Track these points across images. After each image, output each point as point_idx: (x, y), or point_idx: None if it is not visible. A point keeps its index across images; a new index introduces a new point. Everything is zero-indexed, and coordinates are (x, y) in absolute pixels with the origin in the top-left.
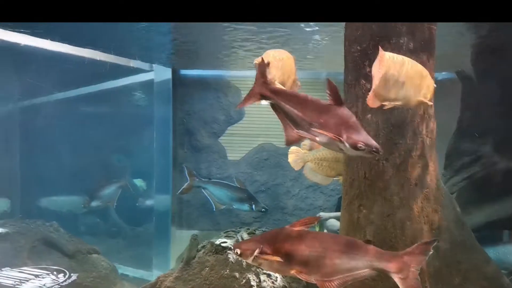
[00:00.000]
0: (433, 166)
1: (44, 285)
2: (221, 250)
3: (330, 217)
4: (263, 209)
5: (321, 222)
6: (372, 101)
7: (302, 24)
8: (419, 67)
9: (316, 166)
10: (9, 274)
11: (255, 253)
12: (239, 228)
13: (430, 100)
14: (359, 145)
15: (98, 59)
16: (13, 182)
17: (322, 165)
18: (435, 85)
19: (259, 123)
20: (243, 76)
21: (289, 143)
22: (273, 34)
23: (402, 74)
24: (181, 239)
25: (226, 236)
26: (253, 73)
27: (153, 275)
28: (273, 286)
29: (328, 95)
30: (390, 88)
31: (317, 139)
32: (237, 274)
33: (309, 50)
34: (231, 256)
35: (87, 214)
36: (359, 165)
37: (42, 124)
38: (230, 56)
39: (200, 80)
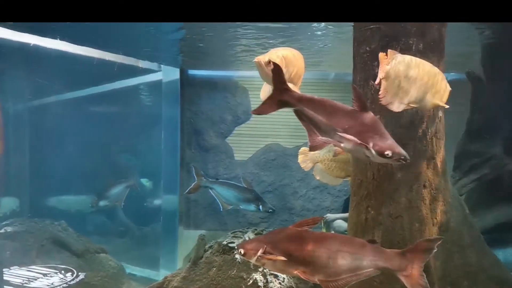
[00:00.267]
0: (442, 168)
1: (52, 283)
2: (229, 250)
3: (337, 218)
4: (270, 210)
5: (328, 223)
6: (396, 106)
7: (314, 24)
8: (435, 69)
9: (326, 167)
10: (18, 273)
11: (259, 253)
12: (247, 228)
13: (445, 103)
14: (387, 152)
15: (107, 59)
16: (22, 181)
17: (331, 166)
18: (450, 88)
19: (266, 123)
20: (251, 76)
21: (313, 149)
22: (281, 34)
23: (419, 77)
24: (188, 239)
25: (234, 237)
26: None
27: (160, 274)
28: (280, 287)
29: (353, 101)
30: (406, 90)
31: (342, 145)
32: (244, 275)
33: (317, 50)
34: (238, 257)
35: (95, 214)
36: (367, 166)
37: (51, 124)
38: (238, 56)
39: (208, 80)
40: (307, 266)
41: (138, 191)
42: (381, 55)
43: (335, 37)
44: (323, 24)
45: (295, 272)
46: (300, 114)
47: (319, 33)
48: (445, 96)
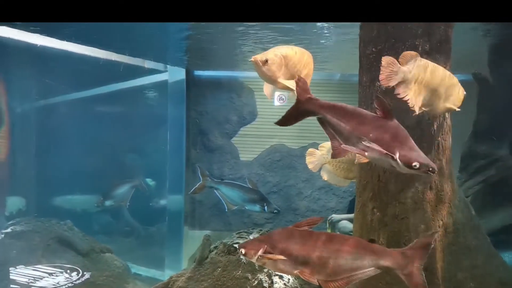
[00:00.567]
0: (448, 169)
1: (57, 283)
2: (234, 251)
3: (342, 219)
4: (275, 210)
5: (333, 224)
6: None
7: (318, 24)
8: (449, 73)
9: (334, 168)
10: (24, 272)
11: (259, 253)
12: (252, 229)
13: (458, 107)
14: (414, 164)
15: (113, 59)
16: (29, 181)
17: (340, 167)
18: (465, 93)
19: (271, 124)
20: (257, 77)
21: (336, 156)
22: (287, 34)
23: (434, 81)
24: (193, 239)
25: (239, 237)
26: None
27: (165, 274)
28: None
29: (377, 109)
30: (421, 95)
31: (367, 154)
32: (249, 275)
33: (323, 51)
34: (243, 257)
35: (101, 213)
36: (373, 167)
37: (57, 124)
38: (243, 57)
39: (214, 80)
40: (307, 266)
41: (145, 191)
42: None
43: (340, 37)
44: (328, 24)
45: (296, 272)
46: (323, 122)
47: (325, 31)
48: (459, 101)
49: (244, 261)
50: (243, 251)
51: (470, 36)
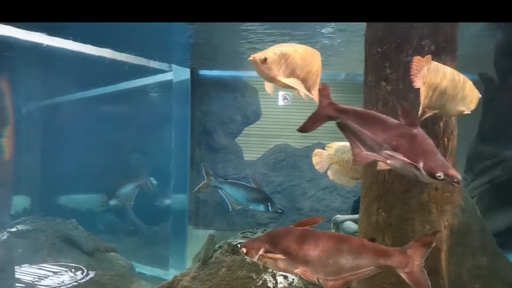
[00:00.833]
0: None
1: (62, 282)
2: (238, 250)
3: (347, 220)
4: (279, 210)
5: (338, 224)
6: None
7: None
8: (463, 77)
9: (341, 168)
10: (29, 271)
11: (260, 252)
12: (256, 229)
13: (472, 110)
14: (438, 174)
15: (118, 59)
16: (34, 180)
17: (347, 167)
18: (480, 95)
19: (276, 123)
20: None
21: (357, 163)
22: (292, 34)
23: (450, 85)
24: (197, 239)
25: (243, 237)
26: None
27: (169, 274)
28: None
29: (401, 116)
30: (435, 98)
31: (389, 162)
32: (254, 275)
33: (328, 51)
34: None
35: (105, 213)
36: None
37: (62, 123)
38: (248, 57)
39: (218, 80)
40: (307, 265)
41: (150, 190)
42: (416, 59)
43: (346, 37)
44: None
45: (296, 271)
46: (343, 127)
47: (330, 30)
48: (473, 104)
49: (249, 261)
50: (244, 250)
51: (476, 35)
